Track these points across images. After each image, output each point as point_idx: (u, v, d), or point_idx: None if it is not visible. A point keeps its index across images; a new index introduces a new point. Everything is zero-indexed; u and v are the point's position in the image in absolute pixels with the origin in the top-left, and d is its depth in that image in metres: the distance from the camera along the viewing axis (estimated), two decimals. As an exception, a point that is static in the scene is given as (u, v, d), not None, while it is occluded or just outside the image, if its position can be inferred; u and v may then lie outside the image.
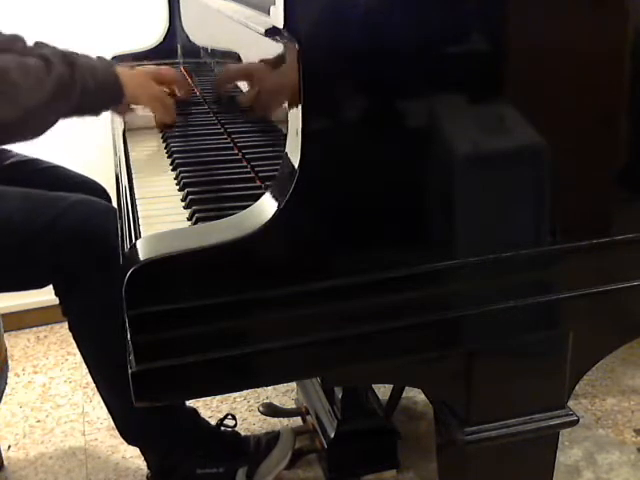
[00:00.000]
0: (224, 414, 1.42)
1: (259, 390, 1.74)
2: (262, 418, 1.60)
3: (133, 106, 1.21)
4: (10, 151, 1.38)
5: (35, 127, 1.07)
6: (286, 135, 0.70)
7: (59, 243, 1.10)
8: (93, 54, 1.16)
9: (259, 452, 1.38)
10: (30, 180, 1.25)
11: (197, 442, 1.35)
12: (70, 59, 1.07)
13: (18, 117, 1.02)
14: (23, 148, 1.38)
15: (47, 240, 1.10)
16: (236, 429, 1.43)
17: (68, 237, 1.10)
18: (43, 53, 1.07)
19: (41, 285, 1.18)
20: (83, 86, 1.06)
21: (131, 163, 1.08)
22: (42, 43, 1.16)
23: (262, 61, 0.88)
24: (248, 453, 1.38)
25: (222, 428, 1.40)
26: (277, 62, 0.76)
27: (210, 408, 1.68)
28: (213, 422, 1.41)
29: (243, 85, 1.06)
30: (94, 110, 1.13)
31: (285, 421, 1.57)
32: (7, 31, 1.21)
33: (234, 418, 1.42)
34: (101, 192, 1.35)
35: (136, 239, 0.77)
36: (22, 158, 1.37)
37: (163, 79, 1.24)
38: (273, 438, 1.40)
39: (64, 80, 1.05)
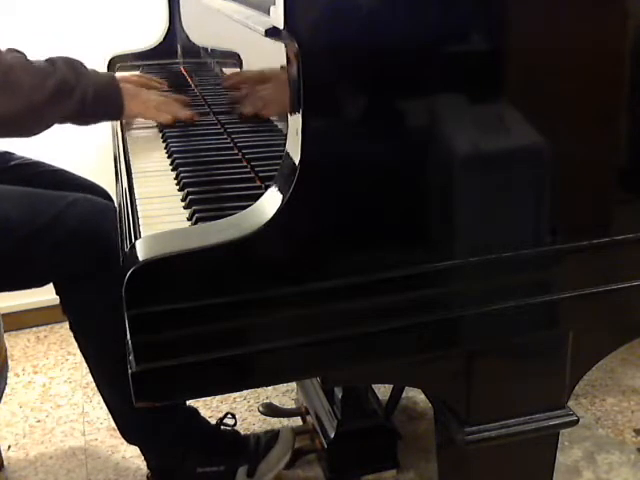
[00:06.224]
0: (224, 414, 1.42)
1: (259, 390, 1.74)
2: (262, 418, 1.60)
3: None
4: (13, 154, 1.38)
5: (31, 125, 1.10)
6: (286, 135, 0.70)
7: (59, 242, 1.10)
8: (93, 54, 1.17)
9: (259, 450, 1.38)
10: (32, 183, 1.25)
11: (197, 441, 1.35)
12: (75, 67, 1.10)
13: (16, 113, 1.05)
14: (26, 151, 1.39)
15: (47, 239, 1.10)
16: (236, 428, 1.43)
17: (68, 236, 1.10)
18: (51, 58, 1.10)
19: (42, 283, 1.19)
20: (83, 94, 1.09)
21: (131, 163, 1.08)
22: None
23: (262, 62, 0.88)
24: (248, 452, 1.38)
25: (222, 427, 1.40)
26: (277, 62, 0.76)
27: (210, 408, 1.68)
28: (213, 422, 1.41)
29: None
30: (90, 119, 1.15)
31: (285, 421, 1.57)
32: (7, 29, 1.22)
33: (234, 417, 1.42)
34: (103, 195, 1.35)
35: (136, 239, 0.77)
36: (25, 161, 1.37)
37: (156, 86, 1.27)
38: (273, 437, 1.41)
39: (65, 84, 1.08)
